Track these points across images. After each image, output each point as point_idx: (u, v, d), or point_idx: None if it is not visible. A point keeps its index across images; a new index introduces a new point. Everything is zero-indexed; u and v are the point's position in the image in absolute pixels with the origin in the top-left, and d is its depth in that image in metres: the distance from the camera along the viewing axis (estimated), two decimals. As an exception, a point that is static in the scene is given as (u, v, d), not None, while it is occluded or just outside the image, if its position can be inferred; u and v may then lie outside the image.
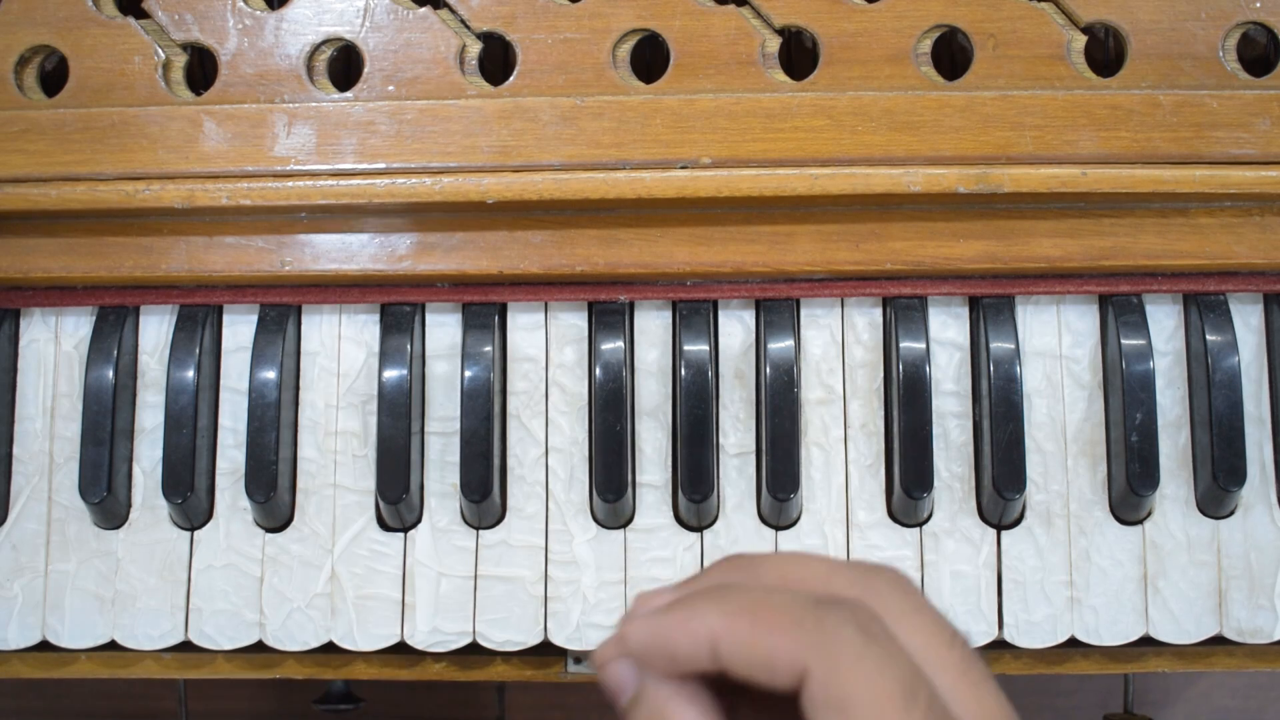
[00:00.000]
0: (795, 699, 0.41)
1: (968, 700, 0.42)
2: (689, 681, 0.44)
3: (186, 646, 0.73)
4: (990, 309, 0.72)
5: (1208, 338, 0.72)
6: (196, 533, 0.74)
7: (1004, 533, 0.72)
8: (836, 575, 0.45)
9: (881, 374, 0.74)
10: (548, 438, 0.74)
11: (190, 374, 0.73)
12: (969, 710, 0.42)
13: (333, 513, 0.73)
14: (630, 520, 0.73)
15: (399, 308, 0.74)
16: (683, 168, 0.70)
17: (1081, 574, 0.72)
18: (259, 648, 0.73)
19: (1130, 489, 0.70)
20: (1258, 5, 0.71)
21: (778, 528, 0.73)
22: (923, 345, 0.72)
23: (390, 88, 0.72)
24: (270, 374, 0.73)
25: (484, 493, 0.71)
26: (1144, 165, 0.70)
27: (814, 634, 0.41)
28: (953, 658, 0.43)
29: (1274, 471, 0.73)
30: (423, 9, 0.73)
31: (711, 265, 0.72)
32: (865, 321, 0.74)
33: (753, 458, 0.73)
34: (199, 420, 0.73)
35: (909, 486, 0.71)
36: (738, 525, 0.73)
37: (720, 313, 0.74)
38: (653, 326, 0.74)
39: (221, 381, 0.75)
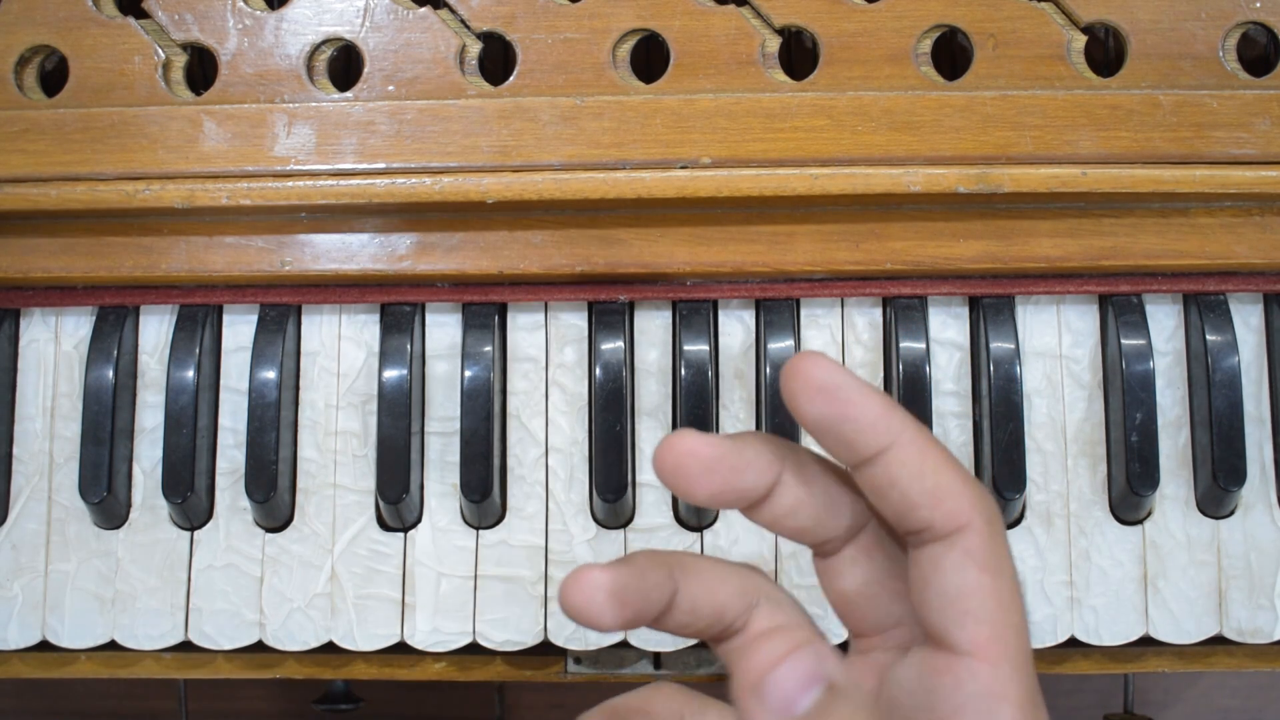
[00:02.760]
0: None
1: None
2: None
3: (186, 646, 0.73)
4: (990, 309, 0.72)
5: (1208, 338, 0.71)
6: (196, 533, 0.74)
7: (1004, 533, 0.72)
8: None
9: (881, 374, 0.74)
10: (548, 438, 0.74)
11: (190, 374, 0.73)
12: None
13: (333, 513, 0.73)
14: (630, 520, 0.73)
15: (399, 308, 0.74)
16: (683, 168, 0.70)
17: (1081, 574, 0.72)
18: (259, 648, 0.73)
19: (1130, 489, 0.70)
20: (1258, 5, 0.71)
21: (778, 528, 0.73)
22: (922, 345, 0.72)
23: (390, 88, 0.72)
24: (270, 374, 0.73)
25: (484, 493, 0.71)
26: (1144, 165, 0.70)
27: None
28: None
29: (1274, 471, 0.73)
30: (423, 9, 0.73)
31: (711, 265, 0.72)
32: (865, 321, 0.74)
33: (753, 458, 0.73)
34: (199, 420, 0.73)
35: (909, 486, 0.71)
36: (738, 524, 0.73)
37: (720, 313, 0.74)
38: (653, 326, 0.74)
39: (221, 381, 0.75)
